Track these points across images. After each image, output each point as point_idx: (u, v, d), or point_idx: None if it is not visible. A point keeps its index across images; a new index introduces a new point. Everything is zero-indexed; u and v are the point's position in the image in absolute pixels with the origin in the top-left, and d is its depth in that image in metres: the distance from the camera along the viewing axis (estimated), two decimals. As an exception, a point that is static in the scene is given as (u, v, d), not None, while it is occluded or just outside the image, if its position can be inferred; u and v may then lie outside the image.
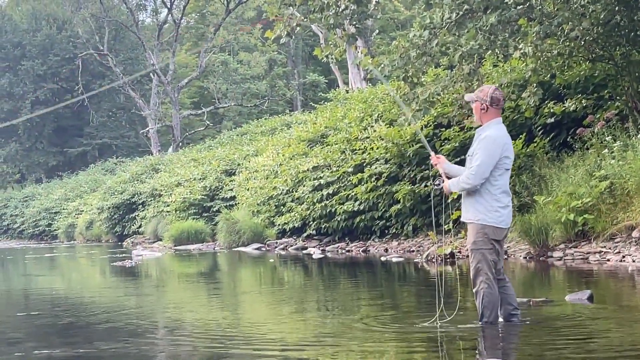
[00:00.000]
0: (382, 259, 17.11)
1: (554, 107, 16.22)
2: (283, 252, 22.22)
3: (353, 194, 20.86)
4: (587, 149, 14.72)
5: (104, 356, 6.95)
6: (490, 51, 14.57)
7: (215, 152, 37.60)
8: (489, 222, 7.07)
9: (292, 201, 24.25)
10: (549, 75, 16.28)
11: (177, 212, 32.08)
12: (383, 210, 19.98)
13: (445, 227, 16.49)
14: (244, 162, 31.13)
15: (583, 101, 15.63)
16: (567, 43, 14.22)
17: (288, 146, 27.38)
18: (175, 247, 28.41)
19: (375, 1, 16.98)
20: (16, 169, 70.25)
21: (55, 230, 49.06)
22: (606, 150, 13.87)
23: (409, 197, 18.63)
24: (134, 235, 37.67)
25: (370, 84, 31.68)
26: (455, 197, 15.81)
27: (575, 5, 13.59)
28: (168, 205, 33.34)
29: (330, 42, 16.95)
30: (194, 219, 30.69)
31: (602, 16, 13.92)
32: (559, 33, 13.87)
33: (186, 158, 41.13)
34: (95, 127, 67.00)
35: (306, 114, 37.41)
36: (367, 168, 20.58)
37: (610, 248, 13.08)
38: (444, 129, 18.00)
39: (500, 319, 7.29)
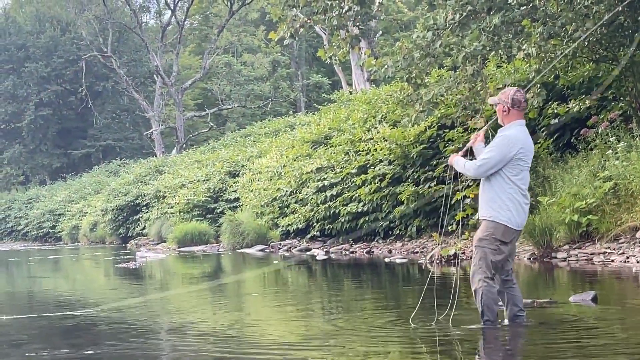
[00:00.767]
0: (386, 260, 17.10)
1: (557, 107, 16.21)
2: (287, 254, 22.22)
3: (357, 195, 20.85)
4: (591, 149, 14.71)
5: (108, 358, 6.95)
6: (493, 52, 14.57)
7: (219, 153, 37.61)
8: (501, 220, 7.09)
9: (295, 202, 24.25)
10: (552, 76, 16.27)
11: (181, 213, 32.11)
12: (387, 211, 19.97)
13: (449, 228, 16.55)
14: (247, 164, 31.14)
15: (587, 102, 15.61)
16: (571, 44, 14.21)
17: (292, 147, 27.38)
18: (179, 249, 28.42)
19: (379, 2, 16.99)
20: (20, 170, 70.33)
21: (59, 232, 49.09)
22: (610, 151, 13.86)
23: (412, 199, 18.63)
24: (138, 237, 37.70)
25: (373, 85, 31.67)
26: (459, 196, 15.82)
27: (578, 6, 13.58)
28: (172, 207, 33.36)
29: (333, 44, 16.94)
30: (197, 220, 30.70)
31: (605, 17, 13.89)
32: (563, 34, 13.86)
33: (190, 160, 41.16)
34: (99, 129, 67.07)
35: (310, 116, 37.40)
36: (370, 169, 20.58)
37: (614, 249, 13.07)
38: (447, 130, 17.99)
39: (506, 320, 7.30)
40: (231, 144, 41.63)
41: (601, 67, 15.91)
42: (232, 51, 65.59)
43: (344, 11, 15.89)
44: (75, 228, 46.44)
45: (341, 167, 22.33)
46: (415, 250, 18.19)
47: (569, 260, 13.47)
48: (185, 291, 13.76)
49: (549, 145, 16.13)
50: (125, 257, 24.79)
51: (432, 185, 18.31)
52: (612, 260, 12.65)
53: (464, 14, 13.95)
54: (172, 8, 59.49)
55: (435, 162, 18.70)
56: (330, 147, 24.22)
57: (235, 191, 30.17)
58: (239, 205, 28.78)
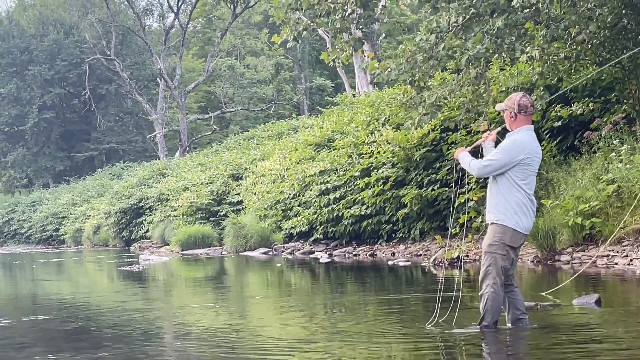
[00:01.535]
0: (389, 263, 17.09)
1: (561, 110, 16.20)
2: (290, 257, 22.22)
3: (360, 198, 20.84)
4: (594, 152, 14.70)
5: (111, 361, 6.96)
6: (497, 55, 14.55)
7: (222, 156, 37.61)
8: (509, 224, 7.11)
9: (299, 205, 24.24)
10: (556, 79, 16.26)
11: (184, 216, 32.12)
12: (390, 214, 19.96)
13: (453, 231, 16.54)
14: (250, 167, 31.13)
15: (590, 105, 15.60)
16: (574, 46, 14.21)
17: (295, 150, 27.38)
18: (182, 252, 28.43)
19: (382, 5, 16.98)
20: (23, 174, 70.36)
21: (62, 235, 49.12)
22: (613, 153, 13.84)
23: (416, 201, 18.62)
24: (141, 240, 37.73)
25: (377, 88, 31.68)
26: (462, 198, 15.80)
27: (582, 9, 13.58)
28: (175, 210, 33.37)
29: (336, 46, 16.94)
30: (201, 223, 30.72)
31: (608, 19, 13.90)
32: (566, 36, 13.86)
33: (193, 162, 41.17)
34: (102, 132, 67.11)
35: (313, 118, 37.41)
36: (374, 172, 20.57)
37: (617, 252, 13.05)
38: (450, 133, 17.98)
39: (508, 324, 7.31)
40: (234, 146, 41.63)
41: (604, 70, 15.90)
42: (235, 54, 65.64)
43: (347, 14, 15.89)
44: (79, 231, 46.47)
45: (344, 170, 22.32)
46: (419, 253, 18.17)
47: (572, 263, 13.45)
48: (189, 294, 13.77)
49: (552, 147, 16.12)
50: (128, 260, 24.80)
51: (436, 188, 18.31)
52: (616, 263, 12.63)
53: (467, 16, 13.95)
54: (175, 11, 59.58)
55: (438, 165, 18.70)
56: (334, 150, 24.21)
57: (238, 194, 30.17)
58: (242, 208, 28.78)
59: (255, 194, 27.69)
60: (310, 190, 23.52)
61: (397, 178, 19.76)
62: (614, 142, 14.02)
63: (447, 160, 17.93)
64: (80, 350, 7.40)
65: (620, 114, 14.85)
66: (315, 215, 22.85)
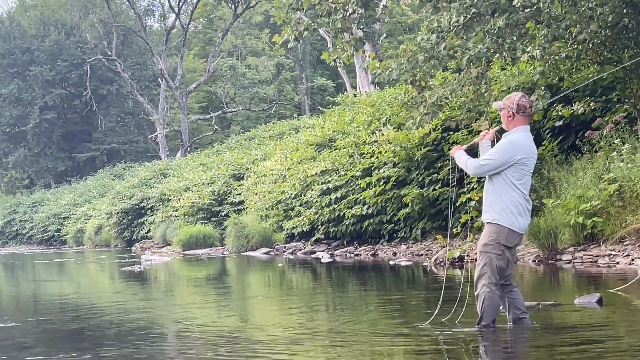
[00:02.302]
0: (391, 262, 17.09)
1: (562, 110, 16.20)
2: (291, 257, 22.22)
3: (361, 197, 20.84)
4: (596, 151, 14.70)
5: (113, 361, 6.96)
6: (498, 54, 14.56)
7: (224, 156, 37.61)
8: (505, 223, 7.11)
9: (300, 205, 24.25)
10: (557, 78, 16.25)
11: (186, 216, 32.12)
12: (391, 214, 19.96)
13: (454, 230, 16.54)
14: (252, 167, 31.14)
15: (591, 104, 15.60)
16: (575, 46, 14.21)
17: (296, 150, 27.38)
18: (184, 252, 28.44)
19: (383, 5, 16.98)
20: (25, 174, 70.40)
21: (64, 235, 49.13)
22: (615, 153, 13.84)
23: (417, 201, 18.62)
24: (143, 240, 37.73)
25: (378, 88, 31.67)
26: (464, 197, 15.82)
27: (583, 8, 13.57)
28: (176, 210, 33.38)
29: (337, 46, 16.94)
30: (202, 223, 30.72)
31: (610, 19, 13.90)
32: (567, 36, 13.86)
33: (194, 163, 41.18)
34: (103, 132, 67.12)
35: (314, 118, 37.40)
36: (375, 172, 20.56)
37: (619, 251, 13.05)
38: (452, 133, 17.98)
39: (509, 324, 7.31)
40: (236, 147, 41.64)
41: (606, 69, 15.90)
42: (237, 54, 65.66)
43: (348, 14, 15.89)
44: (80, 231, 46.48)
45: (346, 170, 22.32)
46: (420, 253, 18.17)
47: (574, 263, 13.45)
48: (190, 294, 13.77)
49: (554, 147, 16.12)
50: (130, 260, 24.81)
51: (437, 187, 18.31)
52: (617, 263, 12.63)
53: (468, 16, 13.95)
54: (177, 11, 59.60)
55: (439, 165, 18.70)
56: (335, 149, 24.21)
57: (239, 194, 30.17)
58: (244, 208, 28.78)
59: (256, 194, 27.69)
60: (312, 190, 23.52)
61: (399, 178, 19.76)
62: (616, 141, 14.02)
63: (448, 160, 17.86)
64: (82, 351, 7.40)
65: (622, 113, 14.85)
66: (317, 215, 22.85)
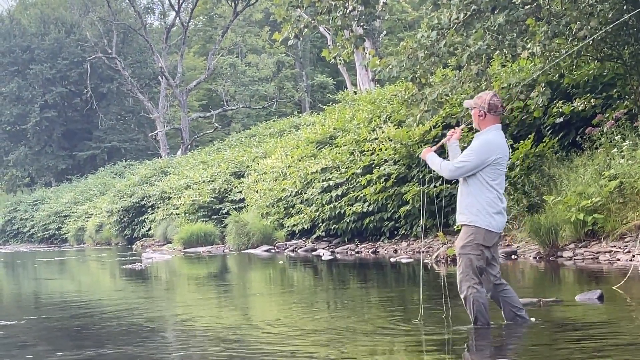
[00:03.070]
0: (392, 260, 17.10)
1: (562, 106, 16.20)
2: (292, 254, 22.23)
3: (362, 195, 20.85)
4: (596, 148, 14.70)
5: (114, 359, 6.96)
6: (498, 51, 14.56)
7: (224, 154, 37.61)
8: (481, 224, 7.06)
9: (301, 203, 24.25)
10: (557, 75, 16.26)
11: (186, 214, 32.13)
12: (392, 211, 19.96)
13: (455, 227, 16.53)
14: (252, 164, 31.14)
15: (592, 100, 15.60)
16: (576, 42, 14.20)
17: (297, 148, 27.38)
18: (185, 250, 28.45)
19: (383, 2, 16.96)
20: (25, 172, 70.44)
21: (65, 233, 49.17)
22: (615, 149, 13.84)
23: (418, 198, 18.62)
24: (144, 238, 37.75)
25: (378, 85, 31.66)
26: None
27: (583, 5, 13.57)
28: (177, 208, 33.39)
29: (338, 44, 16.93)
30: (203, 221, 30.74)
31: (610, 15, 13.89)
32: (567, 32, 13.85)
33: (195, 160, 41.20)
34: (104, 131, 67.15)
35: (314, 116, 37.39)
36: (375, 169, 20.56)
37: (620, 247, 13.05)
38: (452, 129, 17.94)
39: (505, 322, 7.27)
40: (236, 144, 41.65)
41: (606, 66, 15.90)
42: (237, 52, 65.68)
43: (348, 11, 15.89)
44: (81, 230, 46.52)
45: (346, 167, 22.32)
46: (420, 250, 18.17)
47: (574, 259, 13.46)
48: (191, 292, 13.78)
49: (554, 144, 16.12)
50: (131, 258, 24.82)
51: (438, 185, 18.30)
52: (618, 259, 12.63)
53: (468, 13, 13.95)
54: (177, 9, 59.57)
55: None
56: (335, 147, 24.21)
57: (240, 192, 30.17)
58: (245, 206, 28.79)
59: (257, 191, 27.70)
60: (312, 188, 23.52)
61: (399, 175, 19.76)
62: (616, 138, 14.02)
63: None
64: (83, 349, 7.41)
65: (622, 109, 14.85)
66: (318, 213, 22.85)
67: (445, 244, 16.35)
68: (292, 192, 24.91)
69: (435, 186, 18.26)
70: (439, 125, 18.82)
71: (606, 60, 15.43)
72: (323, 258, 19.66)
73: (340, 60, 17.12)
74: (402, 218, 19.66)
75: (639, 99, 14.71)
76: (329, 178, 22.77)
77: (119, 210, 40.44)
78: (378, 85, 31.59)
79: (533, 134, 16.37)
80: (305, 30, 16.49)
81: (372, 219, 20.55)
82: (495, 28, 13.58)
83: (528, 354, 6.39)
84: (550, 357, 6.12)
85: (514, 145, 16.28)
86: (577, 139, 15.72)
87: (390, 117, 22.05)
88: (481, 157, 7.06)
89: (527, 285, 11.10)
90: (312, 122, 33.08)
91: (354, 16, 16.06)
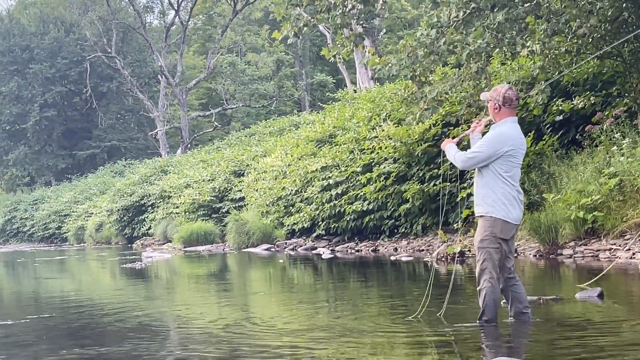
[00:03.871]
0: (392, 258, 17.10)
1: (562, 104, 16.20)
2: (292, 253, 22.23)
3: (362, 193, 20.85)
4: (596, 146, 14.70)
5: (114, 358, 6.96)
6: (497, 49, 14.55)
7: (224, 153, 37.64)
8: (498, 215, 7.09)
9: (301, 201, 24.26)
10: (557, 73, 16.25)
11: (186, 213, 32.15)
12: (392, 209, 19.97)
13: (455, 225, 16.54)
14: (252, 163, 31.16)
15: (592, 98, 15.59)
16: (575, 40, 14.20)
17: (296, 146, 27.39)
18: (185, 249, 28.46)
19: (382, 0, 16.95)
20: (25, 172, 70.45)
21: (65, 232, 49.19)
22: (615, 147, 13.84)
23: (417, 196, 18.63)
24: (144, 237, 37.77)
25: (378, 84, 31.66)
26: (464, 193, 15.83)
27: (582, 3, 13.56)
28: (177, 207, 33.41)
29: (337, 42, 16.94)
30: (203, 220, 30.76)
31: (609, 13, 13.89)
32: (567, 30, 13.85)
33: (195, 159, 41.21)
34: (103, 130, 67.18)
35: (314, 114, 37.42)
36: (375, 167, 20.57)
37: (620, 245, 13.05)
38: (452, 128, 17.98)
39: (510, 317, 7.31)
40: (236, 143, 41.68)
41: (605, 64, 15.90)
42: (236, 51, 65.66)
43: (347, 10, 15.89)
44: (81, 229, 46.53)
45: (346, 166, 22.32)
46: (421, 248, 18.19)
47: (574, 257, 13.46)
48: (192, 290, 13.78)
49: (554, 142, 16.12)
50: (131, 257, 24.82)
51: (437, 183, 18.31)
52: (618, 257, 12.62)
53: (468, 11, 13.95)
54: (176, 8, 59.56)
55: (440, 160, 18.67)
56: (335, 145, 24.22)
57: (240, 191, 30.19)
58: (244, 205, 28.81)
59: (257, 190, 27.71)
60: (312, 186, 23.53)
61: (399, 173, 19.77)
62: (616, 135, 14.02)
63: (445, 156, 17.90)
64: (83, 348, 7.41)
65: (622, 107, 14.85)
66: (317, 211, 22.86)
67: (445, 242, 16.35)
68: (292, 190, 24.92)
69: (435, 184, 18.27)
70: (439, 124, 18.82)
71: (606, 58, 15.43)
72: (323, 256, 19.66)
73: (339, 58, 17.13)
74: (402, 216, 19.66)
75: (638, 97, 14.71)
76: (329, 176, 22.78)
77: (119, 210, 40.46)
78: (378, 84, 31.59)
79: (533, 132, 16.37)
80: (305, 28, 16.50)
81: (372, 217, 20.56)
82: (495, 26, 13.58)
83: (528, 351, 6.39)
84: (550, 354, 6.12)
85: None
86: (576, 137, 15.72)
87: (390, 115, 22.05)
88: (493, 148, 7.09)
89: (528, 283, 11.09)
90: (311, 121, 33.10)
91: (353, 14, 16.06)
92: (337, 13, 15.85)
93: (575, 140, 15.85)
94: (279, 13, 16.51)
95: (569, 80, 16.51)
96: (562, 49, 14.36)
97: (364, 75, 35.15)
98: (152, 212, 37.39)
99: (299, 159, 25.81)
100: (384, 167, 20.13)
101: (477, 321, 7.21)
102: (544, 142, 16.11)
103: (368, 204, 20.59)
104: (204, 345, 7.33)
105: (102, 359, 6.94)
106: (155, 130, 58.72)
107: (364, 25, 17.45)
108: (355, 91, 32.36)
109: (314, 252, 21.58)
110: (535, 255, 14.44)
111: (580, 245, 13.81)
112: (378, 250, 19.89)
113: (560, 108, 16.25)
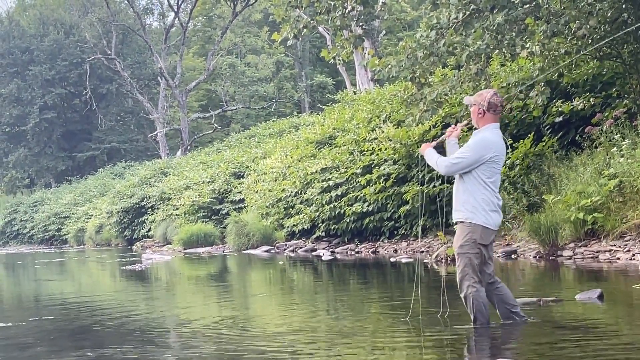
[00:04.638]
0: (392, 259, 17.09)
1: (562, 105, 16.20)
2: (292, 254, 22.22)
3: (362, 195, 20.85)
4: (596, 147, 14.70)
5: (114, 360, 6.97)
6: (497, 51, 14.56)
7: (224, 154, 37.64)
8: (479, 222, 7.06)
9: (300, 203, 24.25)
10: (556, 74, 16.25)
11: (186, 215, 32.14)
12: (392, 211, 19.96)
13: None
14: (252, 165, 31.16)
15: (591, 100, 15.60)
16: (575, 41, 14.20)
17: (296, 148, 27.39)
18: (185, 250, 28.46)
19: (382, 2, 16.95)
20: (25, 174, 70.48)
21: (64, 234, 49.17)
22: (615, 148, 13.84)
23: (417, 198, 18.62)
24: (144, 239, 37.76)
25: (377, 85, 31.67)
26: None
27: (582, 4, 13.57)
28: (177, 209, 33.40)
29: (337, 44, 16.94)
30: (203, 222, 30.75)
31: (609, 14, 13.90)
32: (566, 32, 13.86)
33: (195, 161, 41.21)
34: (103, 132, 67.20)
35: (314, 116, 37.42)
36: (375, 169, 20.57)
37: (620, 246, 13.05)
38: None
39: (501, 320, 7.27)
40: (236, 145, 41.68)
41: (605, 65, 15.90)
42: (236, 52, 65.68)
43: (347, 11, 15.89)
44: (81, 231, 46.52)
45: (346, 167, 22.32)
46: (421, 250, 18.18)
47: (574, 258, 13.46)
48: (191, 292, 13.78)
49: (554, 143, 16.12)
50: (131, 259, 24.82)
51: (437, 184, 18.30)
52: (618, 258, 12.63)
53: (467, 12, 13.95)
54: (176, 10, 59.58)
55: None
56: (335, 147, 24.21)
57: (240, 192, 30.18)
58: (244, 207, 28.80)
59: (257, 192, 27.71)
60: (312, 188, 23.52)
61: (399, 175, 19.76)
62: (616, 137, 14.02)
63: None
64: (83, 350, 7.41)
65: (622, 108, 14.85)
66: (317, 213, 22.86)
67: (445, 243, 16.35)
68: (291, 192, 24.92)
69: (435, 185, 18.27)
70: (439, 125, 18.82)
71: (605, 59, 15.43)
72: (323, 258, 19.66)
73: (339, 60, 17.13)
74: (401, 218, 19.66)
75: (638, 98, 14.72)
76: (329, 178, 22.77)
77: (118, 211, 40.45)
78: (377, 85, 31.60)
79: (532, 133, 16.37)
80: (305, 30, 16.50)
81: (372, 219, 20.56)
82: (495, 27, 13.59)
83: (528, 353, 6.38)
84: (551, 356, 6.11)
85: (514, 145, 16.29)
86: (576, 138, 15.72)
87: (390, 117, 22.05)
88: (477, 154, 7.06)
89: (527, 285, 11.10)
90: (311, 122, 33.10)
91: (353, 16, 16.06)
92: (337, 15, 15.85)
93: (575, 141, 15.85)
94: (279, 15, 16.51)
95: (569, 82, 16.52)
96: (562, 50, 14.37)
97: (364, 77, 35.15)
98: (152, 214, 37.39)
99: (299, 161, 25.80)
100: (384, 169, 20.13)
101: (473, 326, 7.19)
102: (544, 144, 16.11)
103: (368, 206, 20.58)
104: (204, 347, 7.32)
105: (102, 361, 6.95)
106: (155, 132, 58.73)
107: (363, 26, 17.46)
108: (355, 93, 32.37)
109: (313, 253, 21.57)
110: (535, 257, 14.43)
111: (580, 246, 13.81)
112: (378, 251, 19.88)
113: (560, 109, 16.25)
